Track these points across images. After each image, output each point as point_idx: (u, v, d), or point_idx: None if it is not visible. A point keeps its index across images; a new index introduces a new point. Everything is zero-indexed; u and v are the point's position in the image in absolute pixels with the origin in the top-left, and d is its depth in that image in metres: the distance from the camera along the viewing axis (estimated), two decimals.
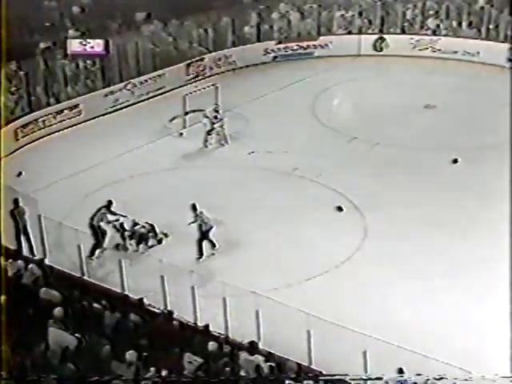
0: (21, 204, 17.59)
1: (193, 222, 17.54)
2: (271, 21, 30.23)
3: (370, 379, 11.29)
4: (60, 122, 24.43)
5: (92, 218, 17.57)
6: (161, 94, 26.79)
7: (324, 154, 22.56)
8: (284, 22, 30.38)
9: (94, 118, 25.07)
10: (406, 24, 30.69)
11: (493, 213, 18.59)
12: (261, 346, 13.97)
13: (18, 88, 23.96)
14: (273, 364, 13.01)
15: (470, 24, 30.00)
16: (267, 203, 19.83)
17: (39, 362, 12.19)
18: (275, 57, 29.99)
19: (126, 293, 15.78)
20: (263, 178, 21.35)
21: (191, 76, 27.81)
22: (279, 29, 30.29)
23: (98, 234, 17.56)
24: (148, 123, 24.61)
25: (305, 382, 12.00)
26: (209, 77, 27.90)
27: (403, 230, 18.60)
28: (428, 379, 10.89)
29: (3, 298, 12.41)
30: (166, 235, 18.14)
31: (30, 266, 15.58)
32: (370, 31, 30.72)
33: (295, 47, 30.22)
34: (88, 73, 25.65)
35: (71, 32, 26.79)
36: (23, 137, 23.44)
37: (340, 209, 19.64)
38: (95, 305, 14.24)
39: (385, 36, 30.43)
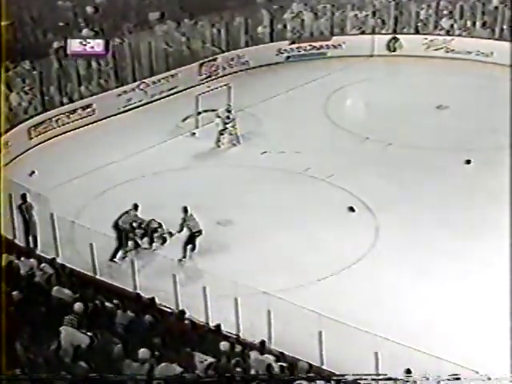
0: (28, 199, 17.70)
1: (181, 230, 17.53)
2: (284, 21, 30.21)
3: (382, 379, 11.27)
4: (73, 121, 24.50)
5: (118, 221, 17.62)
6: (173, 93, 26.81)
7: (336, 154, 22.53)
8: (297, 22, 30.34)
9: (106, 118, 25.13)
10: (419, 24, 30.58)
11: (506, 214, 18.48)
12: (272, 346, 13.98)
13: (31, 87, 24.05)
14: (284, 364, 13.01)
15: (483, 24, 29.87)
16: (279, 203, 19.83)
17: (51, 361, 12.24)
18: (288, 57, 29.96)
19: (138, 291, 15.80)
20: (275, 178, 21.35)
21: (204, 76, 27.82)
22: (292, 29, 30.25)
23: (122, 237, 17.60)
24: (160, 123, 24.65)
25: (316, 382, 12.01)
26: (222, 77, 27.89)
27: (415, 231, 18.56)
28: (440, 380, 10.88)
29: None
30: (170, 234, 18.15)
31: (43, 264, 15.66)
32: (383, 31, 30.61)
33: (308, 47, 30.16)
34: (101, 72, 25.72)
35: (85, 31, 26.90)
36: (36, 136, 23.53)
37: (352, 209, 19.62)
38: (107, 303, 14.29)
39: (398, 36, 30.32)
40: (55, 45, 25.64)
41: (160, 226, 18.06)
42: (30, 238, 17.82)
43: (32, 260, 15.81)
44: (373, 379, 11.06)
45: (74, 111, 24.63)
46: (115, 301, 14.43)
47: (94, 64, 25.42)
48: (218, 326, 14.44)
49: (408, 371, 11.56)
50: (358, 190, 20.31)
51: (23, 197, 17.83)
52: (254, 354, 13.28)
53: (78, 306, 13.54)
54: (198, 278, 16.45)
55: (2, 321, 12.10)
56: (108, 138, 23.91)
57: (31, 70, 24.23)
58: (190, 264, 17.35)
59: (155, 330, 13.44)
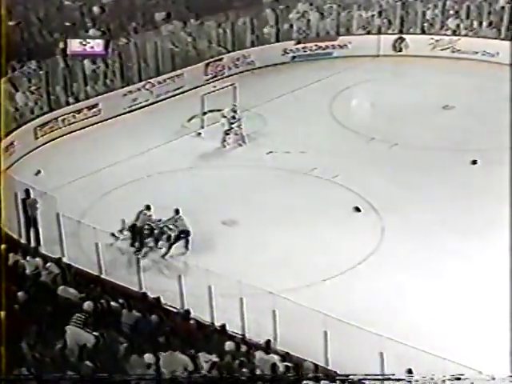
0: (32, 195, 17.79)
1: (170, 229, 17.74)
2: (290, 21, 30.20)
3: (387, 379, 11.27)
4: (79, 121, 24.54)
5: (135, 223, 17.78)
6: (179, 93, 26.82)
7: (342, 154, 22.51)
8: (303, 22, 30.33)
9: (112, 118, 25.15)
10: (425, 24, 30.53)
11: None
12: (277, 347, 13.98)
13: (37, 87, 24.10)
14: (289, 364, 13.02)
15: (490, 24, 29.81)
16: (284, 203, 19.82)
17: (57, 360, 12.27)
18: (294, 57, 29.94)
19: (145, 291, 15.82)
20: (281, 178, 21.35)
21: (210, 76, 27.83)
22: (298, 29, 30.24)
23: (141, 236, 17.76)
24: (166, 123, 24.67)
25: (321, 382, 12.02)
26: (227, 77, 27.89)
27: (421, 231, 18.54)
28: (445, 380, 10.88)
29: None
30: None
31: (48, 263, 15.69)
32: (389, 31, 30.58)
33: (314, 47, 30.15)
34: (107, 72, 25.75)
35: (91, 31, 26.94)
36: (42, 136, 23.57)
37: (357, 209, 19.61)
38: (113, 303, 14.31)
39: (404, 36, 30.29)
40: (61, 45, 25.67)
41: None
42: (32, 234, 17.92)
43: (37, 259, 15.85)
44: (378, 379, 11.07)
45: (80, 111, 24.66)
46: (121, 300, 14.45)
47: (100, 64, 25.45)
48: (223, 326, 14.45)
49: (409, 371, 11.57)
50: (364, 190, 20.30)
51: (27, 192, 17.99)
52: (259, 354, 13.29)
53: (87, 304, 13.57)
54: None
55: (2, 321, 12.14)
56: (114, 137, 23.94)
57: (37, 70, 24.26)
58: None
59: (161, 330, 13.45)
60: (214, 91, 24.85)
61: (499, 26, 29.59)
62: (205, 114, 24.33)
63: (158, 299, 15.04)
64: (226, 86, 25.08)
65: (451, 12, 30.47)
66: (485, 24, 29.88)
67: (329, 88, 27.13)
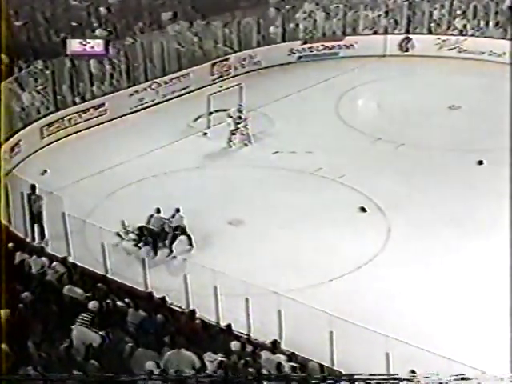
0: (37, 191, 17.89)
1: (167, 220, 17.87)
2: (296, 20, 30.18)
3: (393, 379, 11.25)
4: (85, 120, 24.58)
5: (148, 225, 17.85)
6: (185, 93, 26.84)
7: (348, 154, 22.50)
8: (309, 22, 30.31)
9: (118, 117, 25.19)
10: (432, 24, 30.49)
11: None
12: (283, 347, 13.97)
13: (44, 87, 24.14)
14: (295, 364, 13.00)
15: (496, 24, 29.74)
16: (290, 203, 19.81)
17: (63, 359, 12.28)
18: (300, 57, 29.93)
19: (150, 290, 15.83)
20: (287, 178, 21.34)
21: (216, 76, 27.84)
22: (304, 29, 30.23)
23: (154, 238, 17.88)
24: (172, 123, 24.69)
25: (327, 382, 11.99)
26: (233, 77, 27.90)
27: (426, 232, 18.51)
28: (451, 380, 10.86)
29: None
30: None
31: (54, 263, 15.71)
32: (396, 31, 30.55)
33: (320, 47, 30.13)
34: (113, 72, 25.78)
35: (98, 31, 26.99)
36: (48, 135, 23.62)
37: (363, 210, 19.59)
38: (119, 302, 14.32)
39: (411, 36, 30.25)
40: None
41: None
42: (36, 229, 17.99)
43: (43, 258, 15.87)
44: (383, 379, 11.04)
45: (86, 111, 24.70)
46: (126, 300, 14.46)
47: (106, 64, 25.50)
48: (228, 326, 14.44)
49: (413, 371, 11.54)
50: (370, 190, 20.27)
51: (33, 188, 18.06)
52: (265, 354, 13.28)
53: (92, 304, 13.58)
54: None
55: (3, 320, 12.16)
56: (120, 137, 23.97)
57: (44, 70, 24.31)
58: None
59: (166, 330, 13.45)
60: (220, 91, 24.87)
61: (506, 26, 29.52)
62: (211, 113, 24.34)
63: (163, 299, 15.04)
64: (232, 86, 25.09)
65: (458, 12, 30.41)
66: (491, 24, 29.82)
67: (335, 88, 27.12)
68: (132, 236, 17.85)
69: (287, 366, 12.80)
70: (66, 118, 24.18)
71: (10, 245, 15.86)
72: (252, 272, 16.46)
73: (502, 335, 14.54)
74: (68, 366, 11.83)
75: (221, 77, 27.89)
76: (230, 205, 19.76)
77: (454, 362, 12.06)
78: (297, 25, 30.17)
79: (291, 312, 14.24)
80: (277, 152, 22.77)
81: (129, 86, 25.95)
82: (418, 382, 10.48)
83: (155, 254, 17.80)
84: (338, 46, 30.15)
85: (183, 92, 26.87)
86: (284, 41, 29.92)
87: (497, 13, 29.90)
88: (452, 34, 30.21)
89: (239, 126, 23.19)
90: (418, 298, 16.18)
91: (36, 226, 18.14)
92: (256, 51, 29.16)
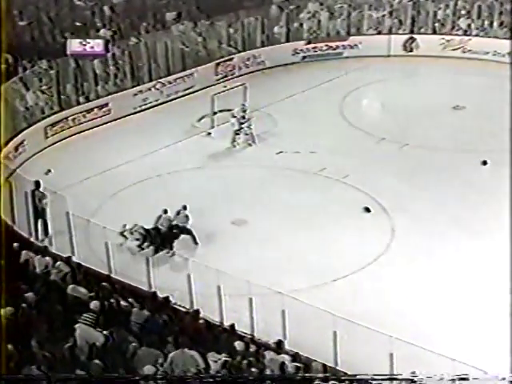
0: (41, 188, 17.95)
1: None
2: (300, 20, 30.16)
3: (396, 379, 11.24)
4: (89, 120, 24.59)
5: (156, 225, 17.88)
6: (189, 93, 26.84)
7: (352, 154, 22.48)
8: (313, 22, 30.28)
9: (122, 117, 25.19)
10: (436, 24, 30.44)
11: None
12: (286, 347, 13.97)
13: (48, 87, 24.17)
14: (298, 364, 13.00)
15: (501, 24, 29.69)
16: (294, 203, 19.81)
17: (67, 358, 12.29)
18: (304, 57, 29.91)
19: (154, 290, 15.84)
20: (291, 178, 21.33)
21: (220, 76, 27.84)
22: (309, 29, 30.20)
23: (163, 239, 17.93)
24: (176, 122, 24.70)
25: (330, 382, 11.98)
26: (237, 77, 27.89)
27: (431, 232, 18.49)
28: (453, 379, 10.85)
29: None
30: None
31: (58, 262, 15.73)
32: (400, 31, 30.51)
33: (324, 47, 30.10)
34: (118, 72, 25.80)
35: (102, 31, 27.01)
36: (52, 135, 23.64)
37: (367, 210, 19.57)
38: (122, 302, 14.33)
39: (415, 36, 30.22)
40: None
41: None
42: (39, 226, 18.01)
43: (47, 258, 15.89)
44: (387, 379, 11.03)
45: (91, 110, 24.71)
46: (130, 299, 14.47)
47: (110, 64, 25.52)
48: (232, 326, 14.44)
49: (414, 373, 11.53)
50: (374, 190, 20.26)
51: (37, 184, 18.09)
52: (268, 354, 13.27)
53: (93, 304, 13.59)
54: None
55: (3, 319, 12.17)
56: (124, 137, 23.98)
57: (48, 70, 24.34)
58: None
59: (170, 330, 13.46)
60: (224, 91, 24.86)
61: (510, 26, 29.46)
62: (215, 113, 24.33)
63: (167, 299, 15.05)
64: (236, 86, 25.10)
65: (462, 12, 30.35)
66: (496, 24, 29.77)
67: (339, 88, 27.10)
68: (136, 236, 17.85)
69: (291, 366, 12.80)
70: (70, 118, 24.20)
71: (15, 245, 15.88)
72: (256, 272, 16.45)
73: (504, 335, 14.53)
74: (72, 366, 11.84)
75: (225, 77, 27.88)
76: (234, 205, 19.76)
77: (457, 362, 12.03)
78: (301, 25, 30.13)
79: (295, 312, 14.22)
80: (281, 152, 22.77)
81: (133, 86, 25.95)
82: (421, 382, 10.47)
83: (156, 252, 17.75)
84: (343, 46, 30.11)
85: (187, 92, 26.87)
86: (288, 41, 29.89)
87: (501, 13, 29.84)
88: (456, 34, 30.16)
89: (243, 125, 23.18)
90: (421, 299, 16.15)
91: (40, 222, 18.15)
92: (260, 51, 29.15)
